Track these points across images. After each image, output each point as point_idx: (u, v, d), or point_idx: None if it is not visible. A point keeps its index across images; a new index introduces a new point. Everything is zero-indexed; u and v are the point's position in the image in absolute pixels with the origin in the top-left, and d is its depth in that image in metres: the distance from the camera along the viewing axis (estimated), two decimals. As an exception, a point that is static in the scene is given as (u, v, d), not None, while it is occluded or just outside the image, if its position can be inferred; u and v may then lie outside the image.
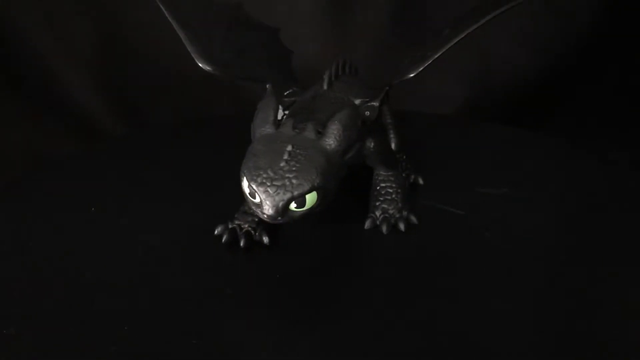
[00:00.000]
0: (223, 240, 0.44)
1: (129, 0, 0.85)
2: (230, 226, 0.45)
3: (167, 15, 0.46)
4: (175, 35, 0.46)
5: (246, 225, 0.45)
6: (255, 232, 0.45)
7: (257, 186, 0.37)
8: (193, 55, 0.45)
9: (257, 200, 0.37)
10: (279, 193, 0.37)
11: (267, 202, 0.37)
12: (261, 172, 0.37)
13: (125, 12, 0.86)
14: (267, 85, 0.46)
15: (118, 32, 0.87)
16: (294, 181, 0.37)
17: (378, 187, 0.47)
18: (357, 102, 0.45)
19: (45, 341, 0.37)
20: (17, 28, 0.83)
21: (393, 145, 0.52)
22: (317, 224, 0.47)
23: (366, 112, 0.45)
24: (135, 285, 0.42)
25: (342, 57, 0.51)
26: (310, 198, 0.37)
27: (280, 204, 0.37)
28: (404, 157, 0.52)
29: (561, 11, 0.85)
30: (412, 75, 0.46)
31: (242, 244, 0.44)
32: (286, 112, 0.44)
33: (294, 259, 0.44)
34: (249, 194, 0.38)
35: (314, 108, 0.43)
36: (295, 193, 0.37)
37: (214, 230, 0.45)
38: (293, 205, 0.37)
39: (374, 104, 0.45)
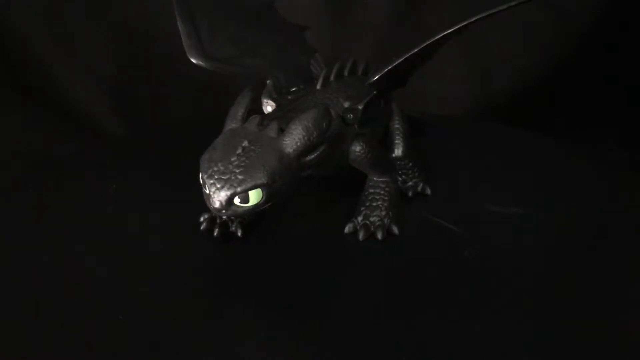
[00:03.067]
0: (201, 227, 0.46)
1: (129, 0, 0.86)
2: (213, 215, 0.46)
3: (175, 8, 0.46)
4: (176, 35, 0.46)
5: (225, 217, 0.45)
6: (232, 224, 0.46)
7: (206, 178, 0.38)
8: (185, 48, 0.46)
9: (207, 191, 0.38)
10: (224, 187, 0.37)
11: (213, 195, 0.37)
12: (212, 165, 0.38)
13: (126, 12, 0.86)
14: (268, 82, 0.46)
15: (118, 32, 0.87)
16: (239, 177, 0.37)
17: (366, 193, 0.47)
18: (346, 104, 0.45)
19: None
20: (18, 28, 0.83)
21: (398, 152, 0.51)
22: (303, 222, 0.48)
23: (349, 115, 0.44)
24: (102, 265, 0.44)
25: (352, 58, 0.51)
26: (254, 195, 0.38)
27: (224, 198, 0.37)
28: (410, 164, 0.51)
29: (561, 11, 0.85)
30: (373, 80, 0.45)
31: (215, 233, 0.45)
32: None
33: (264, 253, 0.45)
34: (202, 184, 0.38)
35: (295, 107, 0.43)
36: (238, 189, 0.37)
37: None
38: (237, 200, 0.37)
39: (358, 107, 0.44)
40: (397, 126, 0.51)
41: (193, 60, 0.46)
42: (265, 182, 0.37)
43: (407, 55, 0.44)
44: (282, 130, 0.39)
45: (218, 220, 0.46)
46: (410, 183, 0.51)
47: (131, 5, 0.85)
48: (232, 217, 0.45)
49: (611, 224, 0.49)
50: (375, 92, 0.46)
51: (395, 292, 0.41)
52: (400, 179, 0.51)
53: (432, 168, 0.53)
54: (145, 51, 0.87)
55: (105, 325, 0.38)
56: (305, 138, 0.39)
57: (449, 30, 0.42)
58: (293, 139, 0.39)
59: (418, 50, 0.43)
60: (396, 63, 0.44)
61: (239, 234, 0.46)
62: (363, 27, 0.88)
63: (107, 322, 0.39)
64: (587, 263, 0.44)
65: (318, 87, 0.46)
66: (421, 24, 0.85)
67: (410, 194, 0.51)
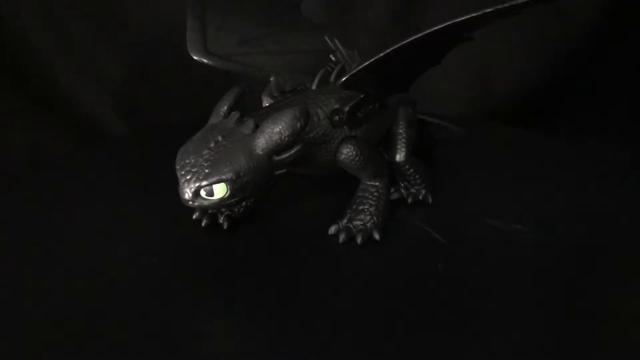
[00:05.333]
0: (194, 217, 0.47)
1: (129, 0, 0.86)
2: None
3: (188, 3, 0.47)
4: (177, 34, 0.46)
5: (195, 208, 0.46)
6: (220, 216, 0.47)
7: (179, 169, 0.39)
8: (188, 43, 0.46)
9: (179, 182, 0.39)
10: (191, 180, 0.38)
11: (182, 186, 0.38)
12: (185, 158, 0.39)
13: (126, 12, 0.86)
14: (271, 78, 0.47)
15: (118, 31, 0.87)
16: (206, 170, 0.38)
17: (355, 196, 0.47)
18: (337, 105, 0.44)
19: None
20: (18, 28, 0.83)
21: (400, 157, 0.50)
22: (292, 220, 0.48)
23: (335, 117, 0.44)
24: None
25: (359, 59, 0.50)
26: (219, 189, 0.38)
27: (191, 190, 0.38)
28: (411, 170, 0.50)
29: (561, 11, 0.85)
30: (341, 81, 0.45)
31: (203, 223, 0.47)
32: None
33: (242, 249, 0.45)
34: (177, 175, 0.39)
35: (281, 106, 0.43)
36: (203, 182, 0.38)
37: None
38: (203, 193, 0.38)
39: (344, 109, 0.44)
40: (401, 131, 0.50)
41: (193, 56, 0.46)
42: (229, 177, 0.38)
43: (373, 60, 0.42)
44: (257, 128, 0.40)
45: (209, 211, 0.47)
46: (412, 190, 0.50)
47: (132, 5, 0.85)
48: (222, 210, 0.47)
49: (611, 225, 0.48)
50: (362, 95, 0.45)
51: (362, 296, 0.41)
52: (402, 184, 0.51)
53: (433, 173, 0.53)
54: (145, 51, 0.87)
55: (102, 319, 0.39)
56: (276, 137, 0.39)
57: (422, 34, 0.40)
58: (264, 137, 0.39)
59: (384, 55, 0.41)
60: (363, 66, 0.43)
61: (225, 226, 0.47)
62: (363, 28, 0.87)
63: (106, 316, 0.39)
64: (583, 275, 0.43)
65: (313, 87, 0.46)
66: (423, 25, 0.85)
67: (409, 200, 0.50)
